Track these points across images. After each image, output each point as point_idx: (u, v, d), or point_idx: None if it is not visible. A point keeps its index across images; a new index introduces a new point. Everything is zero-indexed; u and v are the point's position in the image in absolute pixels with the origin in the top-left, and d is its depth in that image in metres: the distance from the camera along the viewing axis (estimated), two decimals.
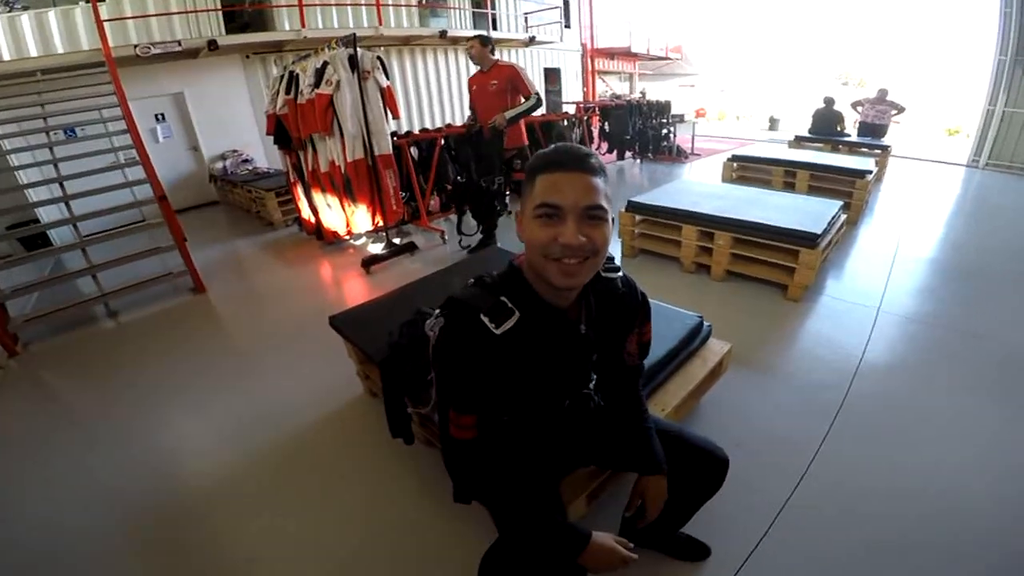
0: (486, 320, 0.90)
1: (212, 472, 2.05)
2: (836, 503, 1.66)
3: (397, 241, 4.45)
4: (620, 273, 1.09)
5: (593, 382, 1.18)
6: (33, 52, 5.81)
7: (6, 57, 5.56)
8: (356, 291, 3.82)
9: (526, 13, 10.67)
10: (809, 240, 2.95)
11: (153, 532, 1.77)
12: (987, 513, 1.61)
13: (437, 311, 0.99)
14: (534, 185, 0.87)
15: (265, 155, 7.44)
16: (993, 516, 1.60)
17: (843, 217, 3.67)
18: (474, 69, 4.40)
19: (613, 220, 0.90)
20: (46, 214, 4.81)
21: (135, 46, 5.70)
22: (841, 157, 5.51)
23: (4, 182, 4.10)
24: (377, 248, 4.49)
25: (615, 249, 4.03)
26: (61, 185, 3.91)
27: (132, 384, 2.73)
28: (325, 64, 3.94)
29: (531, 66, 11.23)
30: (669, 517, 1.30)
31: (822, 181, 5.01)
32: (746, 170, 5.85)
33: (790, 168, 5.29)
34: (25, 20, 5.92)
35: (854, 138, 7.05)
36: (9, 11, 5.90)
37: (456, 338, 0.93)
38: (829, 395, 2.21)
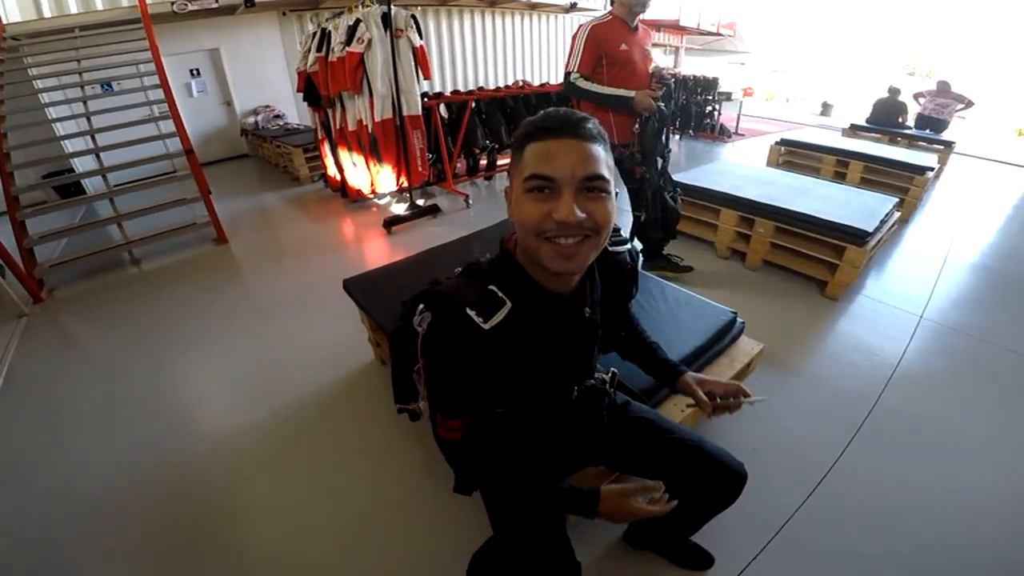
0: (472, 314, 0.80)
1: (219, 429, 2.05)
2: (846, 518, 1.58)
3: (421, 203, 4.36)
4: (627, 246, 1.00)
5: (609, 376, 1.10)
6: (73, 9, 5.83)
7: (47, 14, 5.60)
8: (376, 251, 3.78)
9: None
10: (858, 237, 2.73)
11: (155, 487, 1.77)
12: (1002, 544, 1.50)
13: (421, 306, 0.88)
14: (523, 155, 0.75)
15: (296, 111, 7.41)
16: (1008, 549, 1.49)
17: (896, 215, 3.40)
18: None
19: (617, 194, 0.78)
20: (80, 164, 4.94)
21: (172, 2, 5.66)
22: (899, 150, 5.11)
23: (42, 133, 4.19)
24: (400, 209, 4.42)
25: None
26: (93, 137, 3.97)
27: (148, 334, 2.78)
28: (358, 21, 3.82)
29: (571, 33, 10.82)
30: (678, 525, 1.26)
31: (876, 174, 4.67)
32: (794, 155, 5.51)
33: (843, 158, 4.94)
34: None
35: (913, 131, 6.58)
36: None
37: (442, 336, 0.84)
38: (856, 404, 2.06)
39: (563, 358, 0.94)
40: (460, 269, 0.92)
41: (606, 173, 0.74)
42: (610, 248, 0.94)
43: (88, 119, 4.02)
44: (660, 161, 2.63)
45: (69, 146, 4.35)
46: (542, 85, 6.14)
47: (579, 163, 0.72)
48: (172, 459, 1.89)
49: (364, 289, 2.16)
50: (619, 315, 1.09)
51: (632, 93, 2.32)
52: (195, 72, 6.85)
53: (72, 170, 4.83)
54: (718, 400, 1.07)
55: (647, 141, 2.47)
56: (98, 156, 3.97)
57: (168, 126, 3.98)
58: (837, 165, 5.00)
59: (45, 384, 2.39)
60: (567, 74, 2.45)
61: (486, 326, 0.80)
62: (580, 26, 2.42)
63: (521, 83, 7.66)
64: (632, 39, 2.40)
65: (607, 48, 2.36)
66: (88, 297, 3.27)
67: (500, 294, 0.82)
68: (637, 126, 2.45)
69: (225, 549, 1.55)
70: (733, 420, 1.88)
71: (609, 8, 2.44)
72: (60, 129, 4.59)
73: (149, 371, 2.44)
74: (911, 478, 1.72)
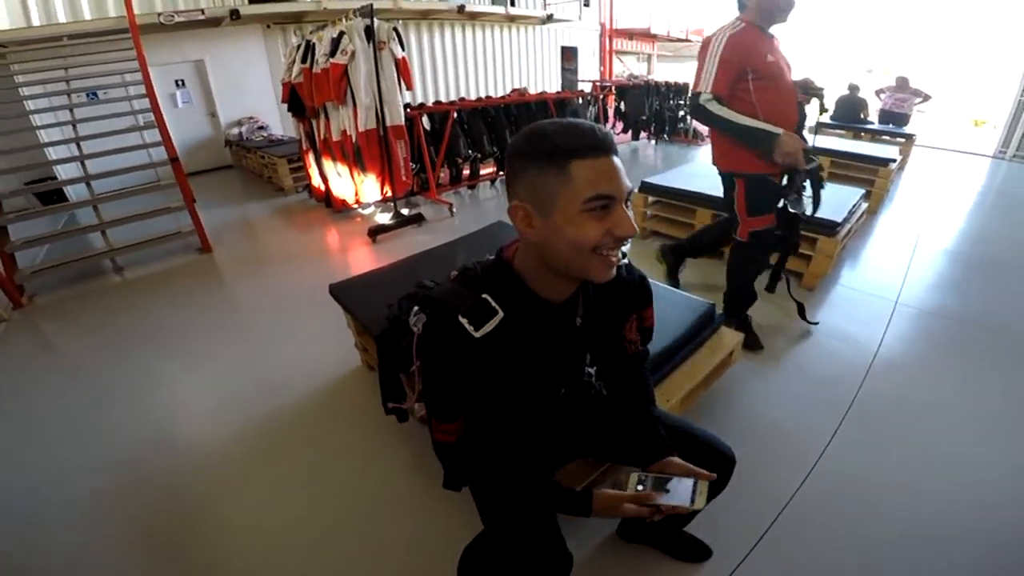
0: (464, 322, 0.83)
1: (203, 436, 2.03)
2: (841, 502, 1.59)
3: (405, 212, 4.41)
4: (625, 260, 1.01)
5: (594, 370, 1.12)
6: (62, 18, 5.82)
7: (36, 22, 5.57)
8: (361, 260, 3.80)
9: None
10: (828, 228, 2.87)
11: (141, 498, 1.74)
12: (999, 514, 1.54)
13: (416, 308, 0.92)
14: (569, 173, 0.73)
15: (280, 122, 7.45)
16: (1005, 517, 1.53)
17: (864, 206, 3.57)
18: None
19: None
20: (64, 172, 4.90)
21: (159, 14, 5.70)
22: (864, 144, 5.35)
23: (26, 140, 4.19)
24: (385, 218, 4.47)
25: None
26: (78, 144, 3.99)
27: (130, 341, 2.75)
28: (341, 34, 3.91)
29: (548, 44, 11.02)
30: (672, 516, 1.25)
31: (843, 169, 4.88)
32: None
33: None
34: None
35: (876, 126, 6.86)
36: None
37: (434, 341, 0.87)
38: (841, 389, 2.11)
39: (553, 365, 0.96)
40: (456, 273, 0.92)
41: None
42: None
43: (74, 127, 4.04)
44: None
45: (52, 153, 4.37)
46: (540, 93, 6.29)
47: (624, 179, 0.76)
48: (150, 467, 1.86)
49: (350, 293, 2.17)
50: (616, 331, 1.06)
51: (779, 131, 1.89)
52: (180, 83, 6.88)
53: (54, 177, 4.81)
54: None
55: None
56: (82, 164, 3.97)
57: (153, 135, 3.99)
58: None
59: (23, 389, 2.36)
60: (695, 95, 1.97)
61: (477, 334, 0.82)
62: (707, 38, 1.98)
63: (522, 91, 7.82)
64: (774, 48, 1.98)
65: (753, 61, 1.90)
66: (70, 304, 3.25)
67: (493, 303, 0.84)
68: (784, 180, 2.07)
69: (206, 559, 1.53)
70: (720, 408, 2.02)
71: (739, 19, 1.96)
72: (44, 136, 4.61)
73: (130, 379, 2.41)
74: (901, 458, 1.76)
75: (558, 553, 0.97)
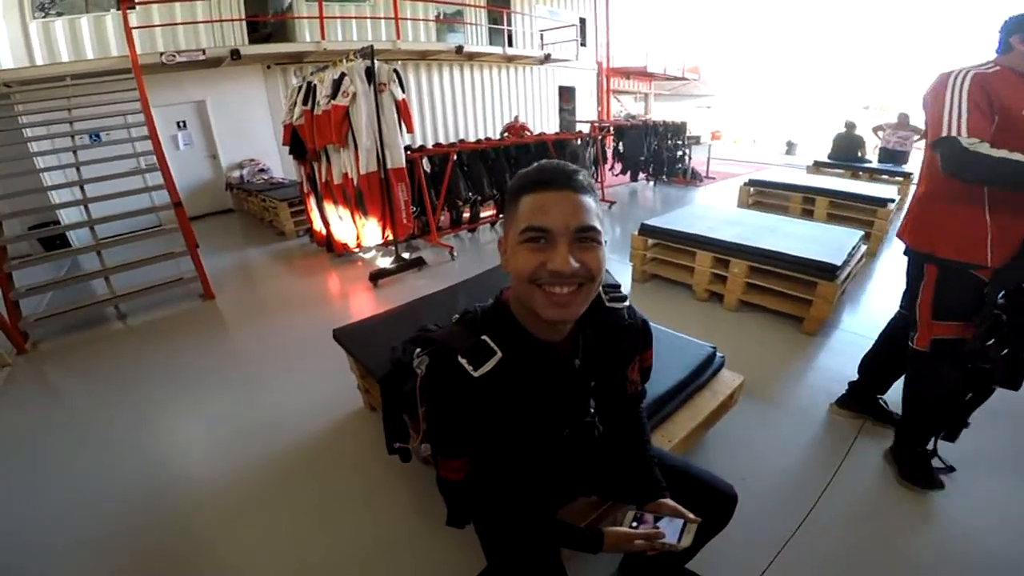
0: (464, 362, 0.85)
1: (206, 480, 2.03)
2: (836, 545, 1.61)
3: (406, 256, 4.43)
4: (627, 303, 1.02)
5: (593, 409, 1.12)
6: (65, 57, 5.96)
7: (39, 61, 5.72)
8: (363, 304, 3.81)
9: (542, 31, 10.77)
10: (828, 272, 2.86)
11: (142, 540, 1.75)
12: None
13: (418, 350, 0.95)
14: (518, 207, 0.80)
15: (281, 165, 7.55)
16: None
17: (863, 248, 3.57)
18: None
19: (606, 242, 0.82)
20: (67, 216, 4.95)
21: (161, 54, 5.86)
22: (862, 184, 5.41)
23: (29, 183, 4.24)
24: (386, 262, 4.48)
25: (626, 273, 3.96)
26: (82, 188, 4.02)
27: (134, 387, 2.77)
28: (343, 76, 3.97)
29: (545, 84, 11.30)
30: (671, 553, 1.25)
31: (842, 209, 4.92)
32: (763, 195, 5.77)
33: (809, 195, 5.20)
34: (59, 26, 6.11)
35: (875, 164, 6.92)
36: (44, 16, 6.06)
37: (436, 382, 0.90)
38: (840, 433, 2.13)
39: (553, 405, 0.97)
40: (457, 316, 0.96)
41: (597, 224, 0.79)
42: (608, 304, 0.99)
43: (77, 169, 4.07)
44: None
45: (56, 197, 4.37)
46: (539, 135, 6.39)
47: (572, 214, 0.76)
48: (151, 511, 1.87)
49: (354, 338, 2.22)
50: (618, 373, 1.08)
51: None
52: (182, 124, 6.98)
53: (57, 221, 4.83)
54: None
55: None
56: (86, 207, 3.99)
57: (155, 178, 4.03)
58: (804, 202, 5.25)
59: (25, 434, 2.39)
60: (949, 140, 1.47)
61: (476, 374, 0.84)
62: (945, 75, 1.56)
63: (517, 123, 7.99)
64: None
65: (1005, 108, 1.46)
66: (73, 350, 3.27)
67: (492, 344, 0.86)
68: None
69: None
70: (720, 450, 2.00)
71: (994, 61, 1.55)
72: (47, 179, 4.65)
73: (132, 424, 2.43)
74: (899, 502, 1.77)
75: None
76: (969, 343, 1.55)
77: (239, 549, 1.71)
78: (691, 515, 0.97)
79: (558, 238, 0.76)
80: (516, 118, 8.93)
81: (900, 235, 1.82)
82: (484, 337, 0.87)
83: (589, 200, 0.79)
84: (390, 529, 1.74)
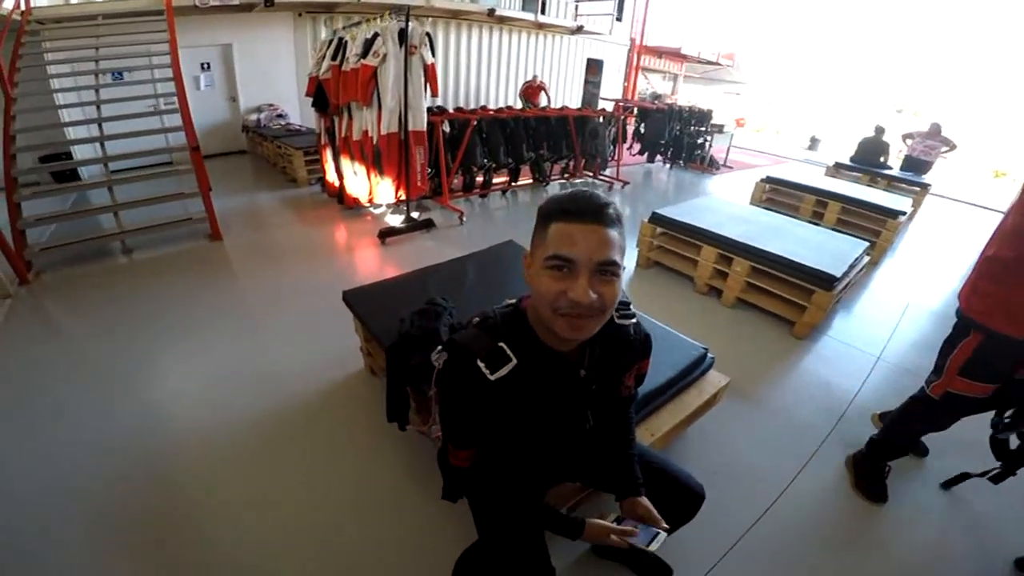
0: (481, 365, 0.92)
1: (202, 426, 2.06)
2: (789, 542, 1.74)
3: (416, 215, 4.47)
4: (634, 320, 1.08)
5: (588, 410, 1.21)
6: None
7: (74, 0, 5.66)
8: (369, 261, 3.86)
9: (577, 1, 10.45)
10: (826, 282, 2.93)
11: (131, 490, 1.76)
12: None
13: (440, 347, 1.02)
14: (547, 233, 0.84)
15: (300, 112, 7.48)
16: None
17: (866, 259, 3.61)
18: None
19: (624, 269, 0.87)
20: (80, 152, 4.97)
21: None
22: (877, 192, 5.37)
23: (48, 118, 4.23)
24: (395, 220, 4.55)
25: (631, 258, 4.03)
26: (100, 125, 4.04)
27: (134, 323, 2.79)
28: (376, 35, 3.96)
29: (574, 55, 11.03)
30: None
31: (852, 216, 4.92)
32: (777, 192, 5.75)
33: (822, 198, 5.19)
34: None
35: (895, 172, 6.79)
36: None
37: (454, 379, 0.97)
38: (811, 435, 2.25)
39: (556, 409, 1.04)
40: (477, 319, 1.02)
41: (618, 258, 0.83)
42: (617, 320, 1.05)
43: (98, 107, 4.08)
44: None
45: (71, 133, 4.40)
46: (562, 108, 6.31)
47: (596, 248, 0.80)
48: (146, 453, 1.90)
49: (363, 301, 2.24)
50: (616, 380, 1.15)
51: None
52: (205, 66, 6.90)
53: (69, 155, 4.87)
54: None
55: None
56: (102, 144, 4.03)
57: (172, 119, 4.02)
58: (816, 205, 5.24)
59: (23, 368, 2.39)
60: None
61: (492, 377, 0.92)
62: None
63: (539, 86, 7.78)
64: None
65: None
66: (76, 282, 3.27)
67: (508, 351, 0.93)
68: None
69: (200, 554, 1.57)
70: (698, 444, 2.12)
71: None
72: (66, 115, 4.65)
73: (133, 361, 2.45)
74: (851, 508, 1.89)
75: (543, 565, 1.12)
76: (980, 400, 1.63)
77: (233, 502, 1.74)
78: (664, 525, 1.07)
79: (581, 269, 0.81)
80: (535, 77, 8.74)
81: (961, 297, 1.71)
82: (501, 344, 0.94)
83: (615, 234, 0.83)
84: (381, 492, 1.80)
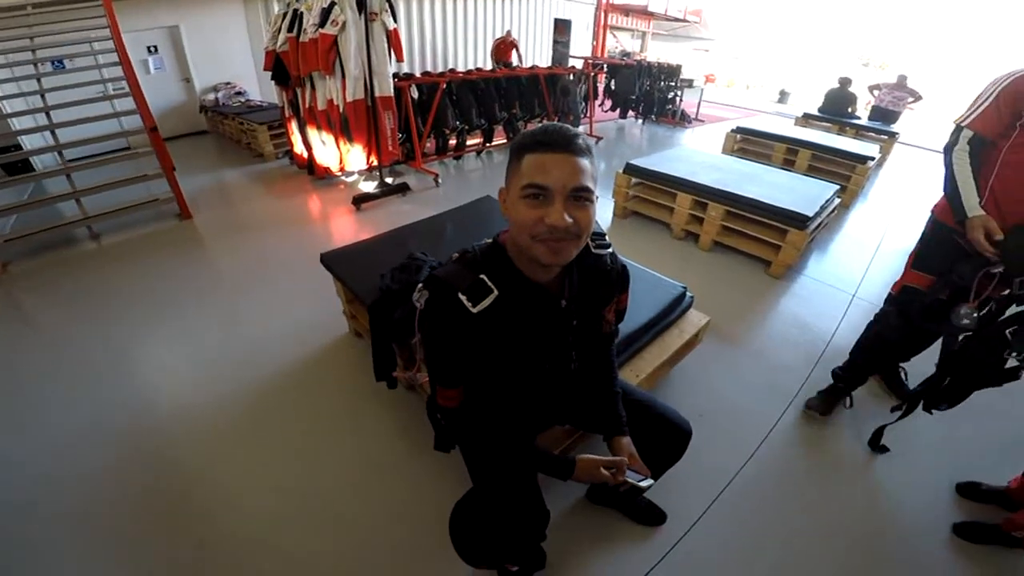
0: (463, 299, 0.92)
1: (190, 405, 2.03)
2: (783, 479, 1.78)
3: (390, 181, 4.40)
4: (610, 250, 1.10)
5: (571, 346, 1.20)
6: None
7: None
8: (345, 228, 3.81)
9: None
10: (799, 221, 2.99)
11: (124, 467, 1.75)
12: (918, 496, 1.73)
13: (420, 285, 1.01)
14: (521, 164, 0.86)
15: (259, 87, 7.23)
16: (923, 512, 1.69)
17: (837, 201, 3.69)
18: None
19: (597, 198, 0.89)
20: (29, 142, 4.73)
21: None
22: (846, 140, 5.45)
23: None
24: (369, 186, 4.47)
25: (608, 209, 4.06)
26: (47, 115, 3.85)
27: (110, 309, 2.72)
28: (332, 4, 3.81)
29: (541, 16, 10.79)
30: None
31: (822, 162, 5.00)
32: (748, 143, 5.80)
33: (793, 146, 5.25)
34: None
35: (864, 121, 6.92)
36: None
37: (436, 315, 0.96)
38: (792, 376, 2.28)
39: (541, 340, 1.05)
40: (456, 255, 1.01)
41: (591, 184, 0.85)
42: (593, 249, 1.06)
43: (42, 96, 3.87)
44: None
45: (16, 124, 4.21)
46: (532, 67, 6.21)
47: (570, 176, 0.83)
48: (134, 436, 1.87)
49: (342, 263, 2.21)
50: (596, 314, 1.15)
51: (976, 212, 1.51)
52: (152, 49, 6.58)
53: (18, 146, 4.62)
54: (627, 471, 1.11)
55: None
56: (52, 133, 3.84)
57: (124, 104, 3.88)
58: (787, 153, 5.31)
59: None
60: (956, 128, 1.62)
61: (474, 310, 0.92)
62: (1011, 72, 1.53)
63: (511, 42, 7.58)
64: None
65: None
66: (46, 272, 3.17)
67: (489, 283, 0.93)
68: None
69: (196, 527, 1.55)
70: (683, 385, 2.15)
71: None
72: (7, 106, 4.43)
73: (111, 345, 2.39)
74: (842, 443, 1.93)
75: (538, 508, 1.14)
76: (924, 294, 1.69)
77: (227, 475, 1.73)
78: (647, 471, 1.11)
79: (555, 196, 0.83)
80: (508, 32, 8.53)
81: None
82: (482, 276, 0.94)
83: (586, 163, 0.85)
84: (375, 452, 1.81)
